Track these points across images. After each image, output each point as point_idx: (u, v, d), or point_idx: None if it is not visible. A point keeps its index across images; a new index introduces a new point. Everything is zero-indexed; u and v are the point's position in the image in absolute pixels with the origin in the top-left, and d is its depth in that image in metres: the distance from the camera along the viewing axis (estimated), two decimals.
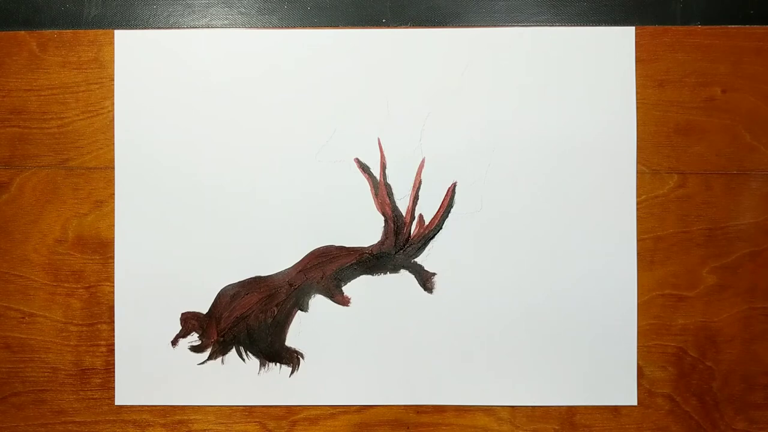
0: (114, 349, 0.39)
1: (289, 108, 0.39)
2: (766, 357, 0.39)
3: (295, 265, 0.39)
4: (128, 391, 0.39)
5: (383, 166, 0.38)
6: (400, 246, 0.38)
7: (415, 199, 0.38)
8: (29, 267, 0.39)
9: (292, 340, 0.39)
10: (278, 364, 0.39)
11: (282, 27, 0.39)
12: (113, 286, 0.39)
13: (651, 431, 0.38)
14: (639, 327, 0.38)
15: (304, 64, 0.39)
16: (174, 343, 0.39)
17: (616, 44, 0.39)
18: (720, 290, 0.39)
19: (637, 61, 0.39)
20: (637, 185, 0.39)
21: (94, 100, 0.39)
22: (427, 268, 0.39)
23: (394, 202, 0.38)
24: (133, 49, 0.39)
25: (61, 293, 0.39)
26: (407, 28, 0.39)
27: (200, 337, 0.39)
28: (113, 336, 0.39)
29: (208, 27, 0.39)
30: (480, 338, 0.38)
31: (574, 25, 0.39)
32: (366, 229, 0.39)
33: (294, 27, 0.39)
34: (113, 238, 0.39)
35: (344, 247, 0.39)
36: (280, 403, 0.39)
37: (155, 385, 0.39)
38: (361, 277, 0.39)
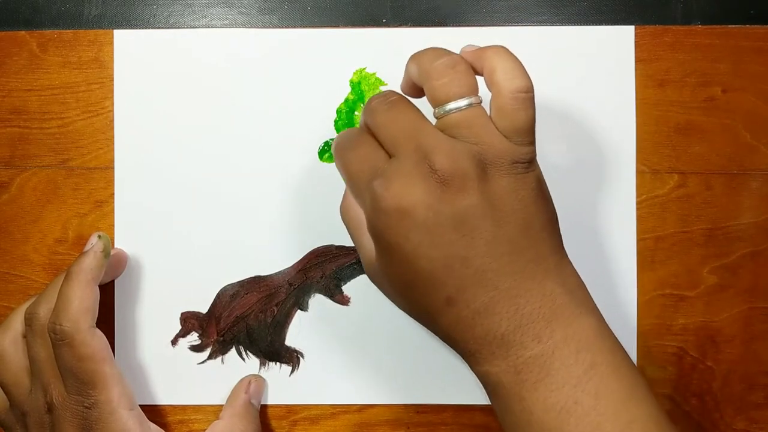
0: (113, 349, 0.39)
1: (289, 107, 0.39)
2: (766, 357, 0.39)
3: (294, 264, 0.39)
4: None
5: None
6: None
7: None
8: (29, 267, 0.39)
9: (291, 339, 0.39)
10: (278, 363, 0.39)
11: (282, 27, 0.39)
12: (112, 286, 0.39)
13: None
14: (639, 327, 0.38)
15: (304, 64, 0.39)
16: (174, 342, 0.39)
17: (616, 44, 0.39)
18: (720, 290, 0.39)
19: (637, 61, 0.39)
20: (637, 185, 0.39)
21: (94, 100, 0.39)
22: None
23: None
24: (132, 49, 0.39)
25: None
26: (407, 27, 0.39)
27: (200, 337, 0.39)
28: (113, 336, 0.39)
29: (208, 27, 0.39)
30: None
31: (574, 25, 0.39)
32: None
33: (294, 27, 0.39)
34: (113, 238, 0.39)
35: (344, 246, 0.39)
36: (280, 402, 0.39)
37: (155, 384, 0.39)
38: (361, 276, 0.39)
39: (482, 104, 0.28)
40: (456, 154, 0.27)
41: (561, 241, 0.30)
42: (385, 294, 0.31)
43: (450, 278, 0.27)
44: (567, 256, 0.30)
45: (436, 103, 0.28)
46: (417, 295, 0.28)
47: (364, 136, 0.30)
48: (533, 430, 0.27)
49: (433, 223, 0.26)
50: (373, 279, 0.31)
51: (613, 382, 0.27)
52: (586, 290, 0.30)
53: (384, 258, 0.28)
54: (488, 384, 0.29)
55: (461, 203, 0.26)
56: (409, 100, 0.30)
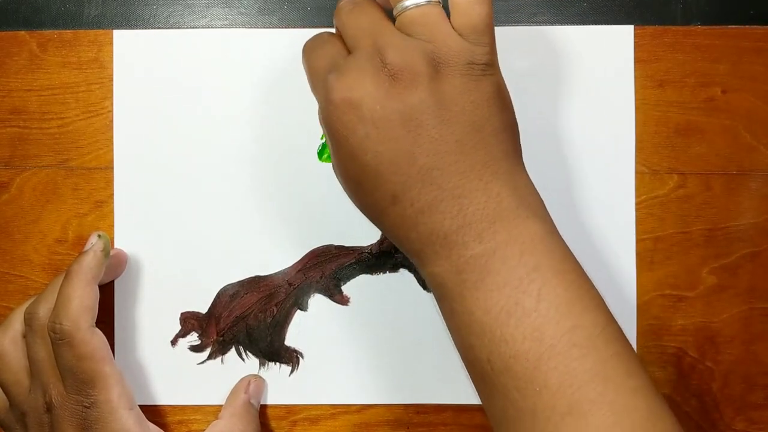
0: (113, 349, 0.39)
1: (289, 107, 0.39)
2: (766, 357, 0.39)
3: (294, 264, 0.39)
4: None
5: None
6: None
7: None
8: (29, 267, 0.39)
9: (291, 339, 0.39)
10: (278, 363, 0.39)
11: (282, 27, 0.39)
12: (112, 286, 0.39)
13: None
14: (638, 327, 0.38)
15: None
16: (173, 342, 0.39)
17: (616, 44, 0.39)
18: (720, 290, 0.39)
19: (636, 61, 0.39)
20: (636, 185, 0.39)
21: (94, 100, 0.39)
22: None
23: None
24: (131, 49, 0.39)
25: None
26: None
27: (200, 337, 0.39)
28: (113, 336, 0.39)
29: (208, 27, 0.39)
30: None
31: (574, 25, 0.39)
32: (365, 229, 0.39)
33: (294, 27, 0.39)
34: (113, 238, 0.39)
35: (344, 246, 0.39)
36: (280, 402, 0.39)
37: (154, 384, 0.39)
38: (360, 276, 0.39)
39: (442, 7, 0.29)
40: (408, 51, 0.27)
41: (518, 150, 0.30)
42: (345, 191, 0.31)
43: (395, 175, 0.27)
44: (524, 166, 0.30)
45: (395, 0, 0.29)
46: (364, 192, 0.29)
47: (332, 37, 0.31)
48: (474, 331, 0.27)
49: (380, 117, 0.27)
50: (337, 176, 0.31)
51: (558, 286, 0.26)
52: (539, 199, 0.29)
53: (334, 152, 0.29)
54: (434, 286, 0.29)
55: (409, 99, 0.27)
56: (374, 1, 0.30)
